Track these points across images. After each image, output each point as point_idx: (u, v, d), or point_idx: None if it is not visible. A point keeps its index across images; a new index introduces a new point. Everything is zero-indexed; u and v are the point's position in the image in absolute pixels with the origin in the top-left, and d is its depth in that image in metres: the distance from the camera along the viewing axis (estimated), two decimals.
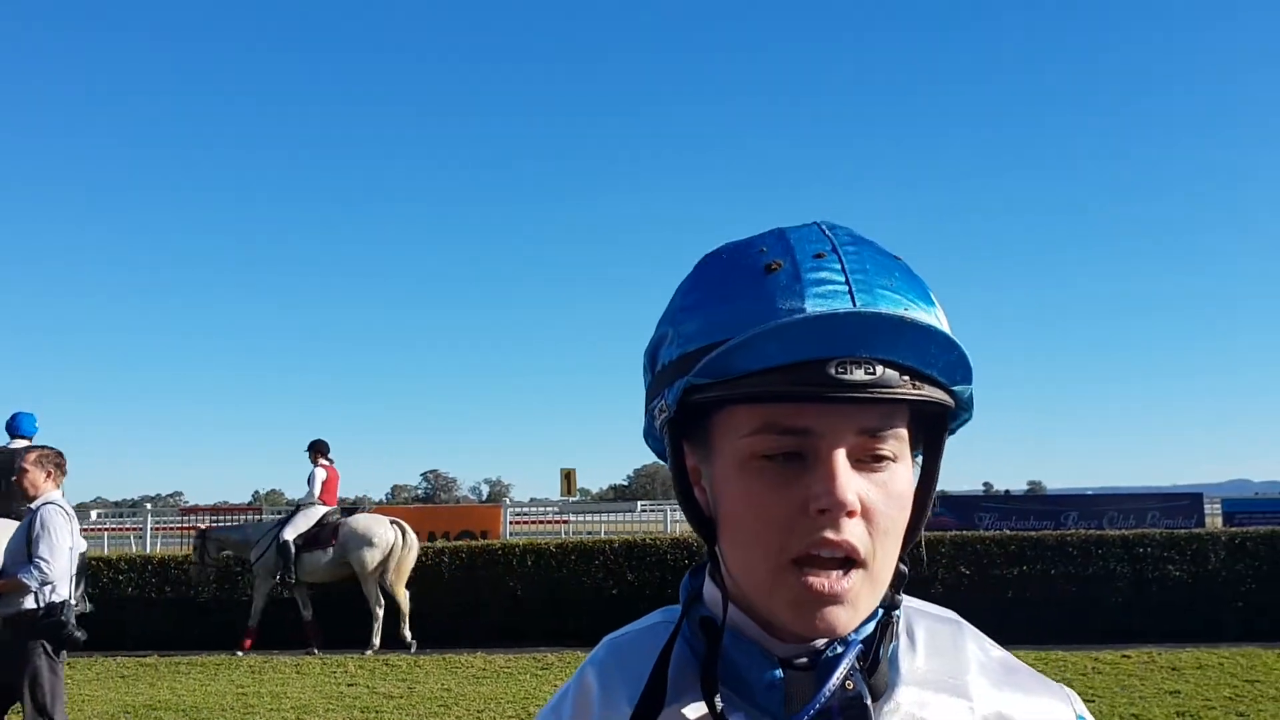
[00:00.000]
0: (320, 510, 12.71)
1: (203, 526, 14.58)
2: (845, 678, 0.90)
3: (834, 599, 0.86)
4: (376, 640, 11.97)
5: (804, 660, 0.91)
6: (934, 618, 1.00)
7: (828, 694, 0.89)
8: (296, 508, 13.02)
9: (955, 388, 0.90)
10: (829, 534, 0.85)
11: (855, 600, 0.87)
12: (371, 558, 12.10)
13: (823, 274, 0.87)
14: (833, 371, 0.83)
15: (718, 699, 0.90)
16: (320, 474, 13.03)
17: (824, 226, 0.93)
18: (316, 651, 11.97)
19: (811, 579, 0.86)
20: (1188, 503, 17.90)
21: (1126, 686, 8.79)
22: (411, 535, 12.51)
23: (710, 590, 0.97)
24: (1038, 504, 19.33)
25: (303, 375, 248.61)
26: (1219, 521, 17.72)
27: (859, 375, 0.84)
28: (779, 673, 0.91)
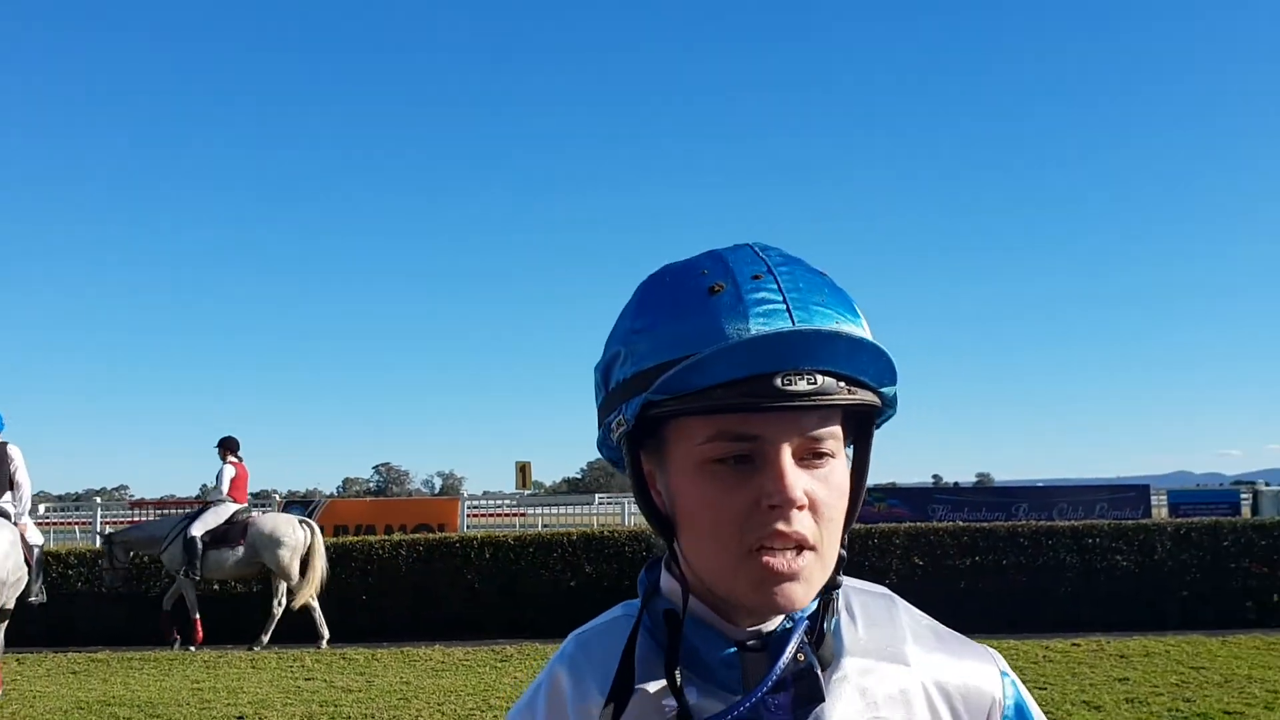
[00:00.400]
0: (230, 508, 12.68)
1: (143, 520, 14.45)
2: (796, 651, 0.99)
3: (791, 577, 0.96)
4: (265, 637, 12.01)
5: (755, 642, 1.01)
6: (869, 593, 1.11)
7: (782, 667, 0.98)
8: (206, 504, 12.98)
9: (883, 389, 1.01)
10: (781, 526, 0.95)
11: (809, 578, 0.97)
12: (284, 557, 12.11)
13: (762, 294, 0.96)
14: (779, 383, 0.93)
15: (678, 676, 0.99)
16: (229, 471, 13.00)
17: (756, 248, 1.02)
18: (176, 646, 11.97)
19: (770, 560, 0.95)
20: (1135, 494, 18.20)
21: (1077, 674, 8.96)
22: (319, 536, 12.47)
23: (668, 582, 1.05)
24: (989, 496, 19.58)
25: (250, 368, 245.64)
26: (1165, 512, 18.09)
27: (802, 385, 0.94)
28: (734, 650, 1.01)
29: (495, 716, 7.95)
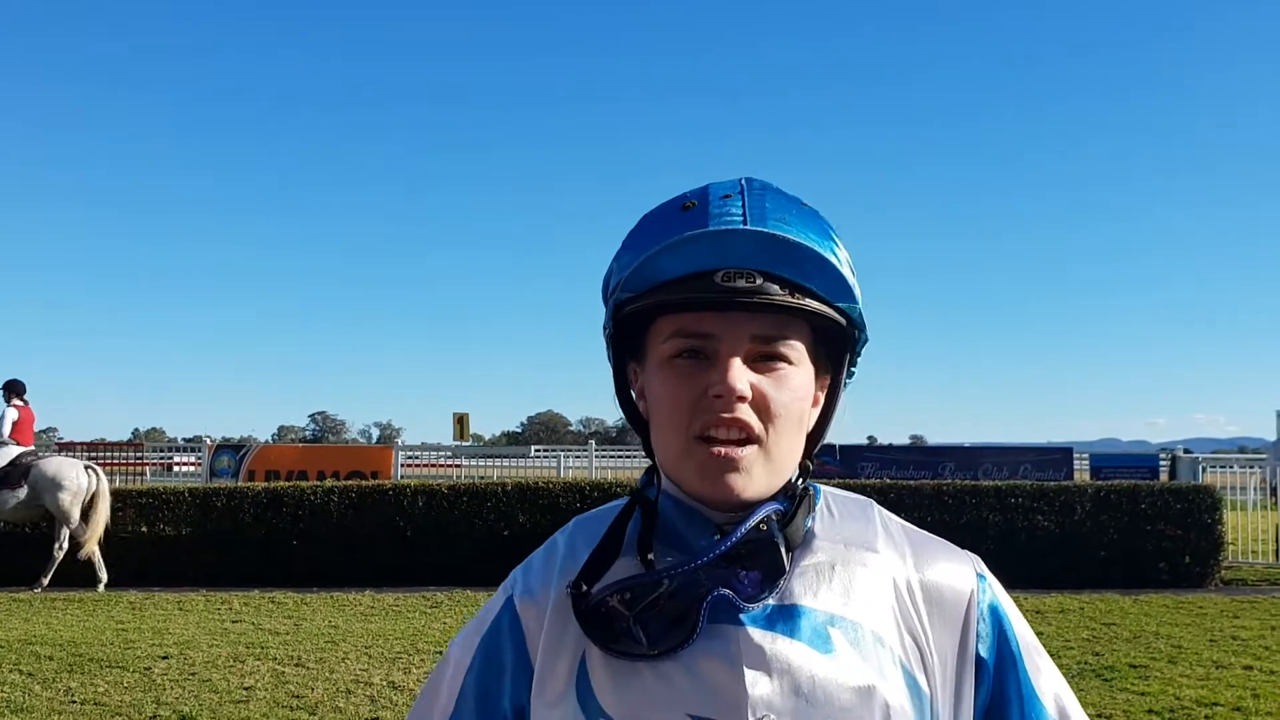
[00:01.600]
0: (14, 451, 12.74)
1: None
2: (759, 523, 1.05)
3: (732, 465, 1.04)
4: (46, 580, 12.00)
5: (731, 528, 1.07)
6: (849, 497, 1.19)
7: (742, 533, 1.04)
8: None
9: (841, 304, 1.08)
10: (724, 414, 1.04)
11: (750, 469, 1.05)
12: (64, 500, 12.15)
13: (726, 209, 1.06)
14: (719, 280, 1.03)
15: (653, 547, 1.09)
16: (12, 414, 13.19)
17: (744, 179, 1.11)
18: None
19: (713, 449, 1.05)
20: (1059, 457, 18.57)
21: None
22: (104, 481, 12.56)
23: (654, 478, 1.16)
24: (918, 455, 19.88)
25: (187, 312, 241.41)
26: (1086, 476, 18.52)
27: (741, 284, 1.03)
28: (715, 535, 1.07)
29: (423, 660, 8.01)
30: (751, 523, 1.04)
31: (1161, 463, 18.95)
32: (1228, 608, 10.59)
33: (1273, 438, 18.89)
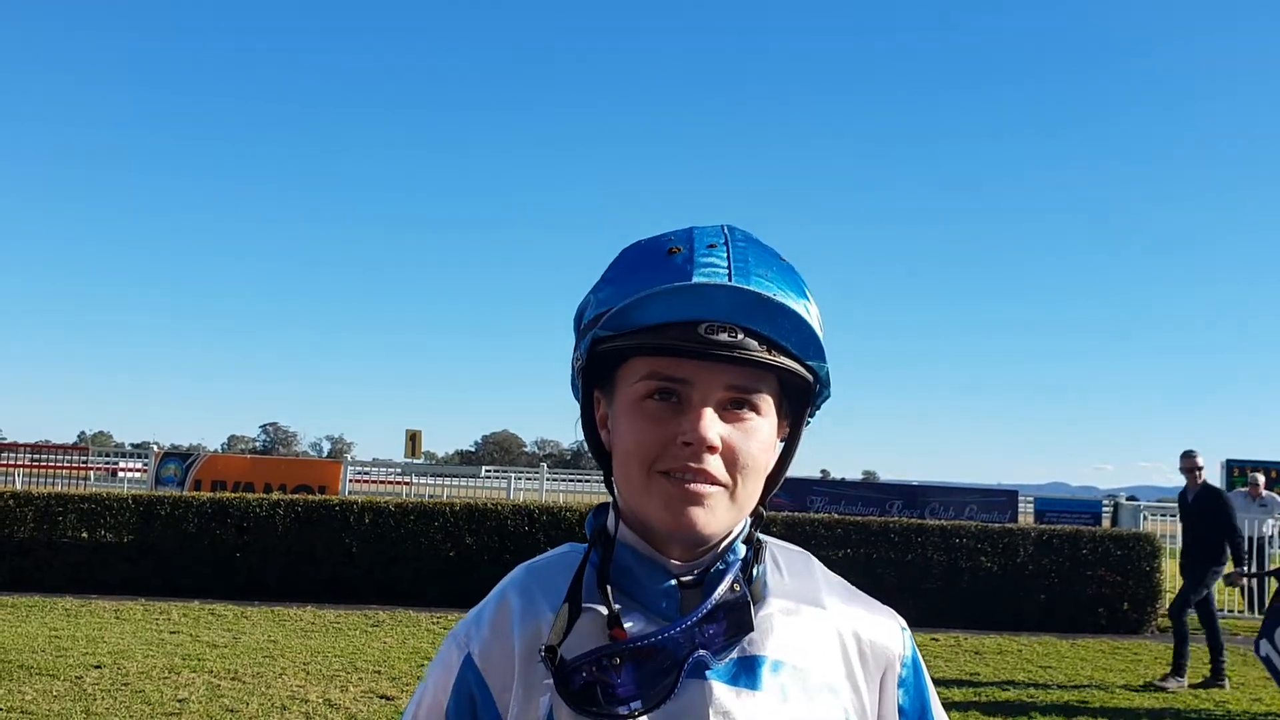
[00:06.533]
0: None
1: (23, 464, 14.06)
2: (732, 583, 1.10)
3: (696, 501, 1.07)
4: None
5: (692, 579, 1.12)
6: (790, 550, 1.25)
7: (718, 597, 1.09)
8: None
9: (810, 362, 1.13)
10: (692, 463, 1.07)
11: (714, 508, 1.08)
12: None
13: (711, 259, 1.09)
14: (702, 332, 1.06)
15: (610, 593, 1.11)
16: None
17: (726, 227, 1.15)
18: None
19: (680, 483, 1.08)
20: (1004, 499, 18.78)
21: (931, 668, 9.27)
22: None
23: (612, 518, 1.17)
24: (867, 491, 20.01)
25: (141, 315, 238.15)
26: (1031, 519, 18.74)
27: (723, 337, 1.06)
28: (673, 583, 1.12)
29: (361, 678, 7.95)
30: (723, 587, 1.09)
31: (1105, 509, 19.21)
32: (1162, 655, 10.73)
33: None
